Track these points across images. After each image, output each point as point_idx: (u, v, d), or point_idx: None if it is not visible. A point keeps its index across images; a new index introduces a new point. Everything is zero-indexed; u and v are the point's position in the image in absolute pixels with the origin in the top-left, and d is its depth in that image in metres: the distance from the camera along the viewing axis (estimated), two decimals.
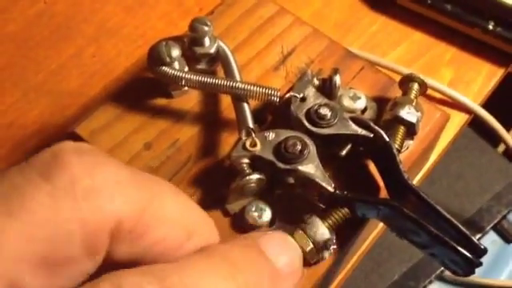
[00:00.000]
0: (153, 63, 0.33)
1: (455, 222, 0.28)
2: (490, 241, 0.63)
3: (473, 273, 0.28)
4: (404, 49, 0.48)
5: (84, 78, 0.45)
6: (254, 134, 0.31)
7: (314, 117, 0.32)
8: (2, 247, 0.16)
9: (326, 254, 0.30)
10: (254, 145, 0.30)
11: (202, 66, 0.35)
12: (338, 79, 0.33)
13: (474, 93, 0.46)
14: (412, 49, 0.48)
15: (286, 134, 0.31)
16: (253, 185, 0.30)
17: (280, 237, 0.22)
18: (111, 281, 0.16)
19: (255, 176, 0.30)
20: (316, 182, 0.29)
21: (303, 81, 0.33)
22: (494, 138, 0.56)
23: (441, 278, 0.61)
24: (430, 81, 0.42)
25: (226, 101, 0.35)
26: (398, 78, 0.36)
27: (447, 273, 0.60)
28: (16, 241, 0.16)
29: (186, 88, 0.35)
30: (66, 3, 0.48)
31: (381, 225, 0.40)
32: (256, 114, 0.32)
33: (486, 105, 0.47)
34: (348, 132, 0.32)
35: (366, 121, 0.32)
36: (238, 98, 0.32)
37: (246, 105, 0.32)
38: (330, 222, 0.29)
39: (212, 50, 0.34)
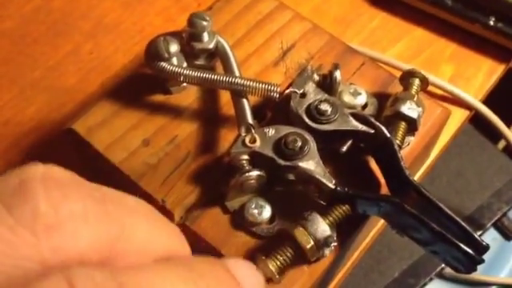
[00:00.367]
0: (151, 59, 0.33)
1: (457, 218, 0.28)
2: (490, 238, 0.63)
3: (475, 270, 0.28)
4: (404, 45, 0.47)
5: (81, 74, 0.45)
6: (253, 131, 0.30)
7: (314, 113, 0.31)
8: None
9: (327, 251, 0.29)
10: (253, 141, 0.30)
11: (200, 61, 0.35)
12: (338, 75, 0.32)
13: (475, 89, 0.46)
14: (412, 45, 0.47)
15: (285, 130, 0.30)
16: (252, 181, 0.30)
17: (248, 263, 0.22)
18: (63, 272, 0.15)
19: (255, 173, 0.30)
20: (316, 178, 0.29)
21: (303, 76, 0.33)
22: (494, 135, 0.56)
23: (441, 276, 0.61)
24: (430, 77, 0.42)
25: (225, 97, 0.34)
26: (398, 74, 0.35)
27: (447, 270, 0.60)
28: None
29: (185, 84, 0.34)
30: None
31: (381, 222, 0.40)
32: (255, 110, 0.32)
33: (487, 101, 0.46)
34: (349, 128, 0.31)
35: (366, 117, 0.32)
36: (238, 94, 0.32)
37: (245, 101, 0.32)
38: (330, 218, 0.29)
39: (211, 46, 0.34)
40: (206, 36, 0.34)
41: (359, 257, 0.41)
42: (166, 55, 0.32)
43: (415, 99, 0.32)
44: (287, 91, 0.33)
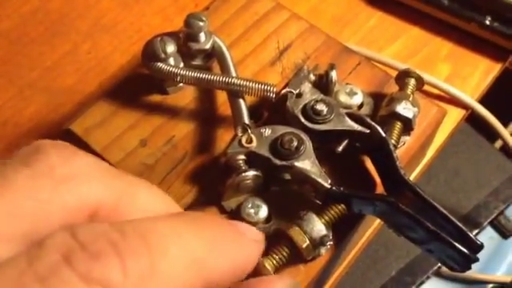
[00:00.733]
0: (148, 59, 0.33)
1: (452, 217, 0.28)
2: (487, 236, 0.63)
3: (469, 268, 0.28)
4: (401, 44, 0.48)
5: (79, 74, 0.45)
6: (249, 131, 0.31)
7: (310, 113, 0.31)
8: None
9: (323, 251, 0.30)
10: (249, 141, 0.30)
11: (197, 62, 0.35)
12: (334, 75, 0.33)
13: (471, 88, 0.46)
14: (409, 44, 0.48)
15: (282, 130, 0.31)
16: (249, 181, 0.30)
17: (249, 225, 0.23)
18: (65, 229, 0.16)
19: (251, 172, 0.30)
20: (312, 178, 0.29)
21: (299, 76, 0.33)
22: (491, 134, 0.56)
23: (438, 274, 0.61)
24: (426, 76, 0.42)
25: (221, 97, 0.34)
26: (394, 73, 0.35)
27: (444, 269, 0.60)
28: None
29: (182, 84, 0.34)
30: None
31: (377, 221, 0.40)
32: (252, 110, 0.32)
33: (483, 100, 0.47)
34: (344, 128, 0.31)
35: (362, 116, 0.32)
36: (234, 94, 0.32)
37: (241, 101, 0.32)
38: (326, 218, 0.29)
39: (207, 46, 0.34)
40: (202, 36, 0.34)
41: (356, 256, 0.41)
42: (163, 55, 0.32)
43: (411, 99, 0.33)
44: (283, 91, 0.33)
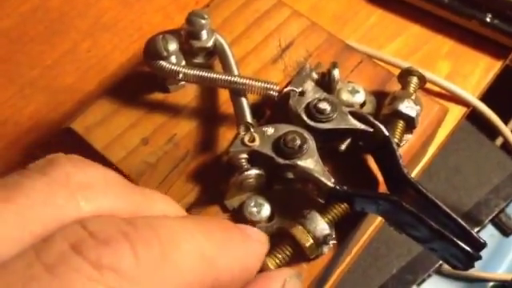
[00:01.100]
0: (149, 57, 0.33)
1: (454, 215, 0.28)
2: (488, 234, 0.63)
3: (472, 267, 0.28)
4: (401, 42, 0.48)
5: (79, 73, 0.45)
6: (252, 129, 0.30)
7: (313, 111, 0.31)
8: None
9: (326, 249, 0.29)
10: (252, 140, 0.30)
11: (199, 59, 0.35)
12: (336, 73, 0.32)
13: (472, 86, 0.46)
14: (409, 42, 0.47)
15: (285, 128, 0.31)
16: (251, 180, 0.30)
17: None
18: (75, 221, 0.17)
19: (254, 171, 0.30)
20: (315, 176, 0.29)
21: (302, 75, 0.33)
22: (492, 131, 0.56)
23: (439, 272, 0.61)
24: (427, 74, 0.42)
25: (223, 95, 0.34)
26: (395, 71, 0.35)
27: (445, 267, 0.60)
28: (9, 222, 0.16)
29: (183, 82, 0.34)
30: None
31: (379, 219, 0.40)
32: (254, 109, 0.32)
33: (484, 98, 0.47)
34: (347, 126, 0.31)
35: (365, 115, 0.32)
36: (236, 93, 0.32)
37: (244, 99, 0.32)
38: (329, 217, 0.29)
39: (209, 44, 0.34)
40: (204, 34, 0.34)
41: (357, 254, 0.41)
42: (165, 53, 0.32)
43: (413, 97, 0.33)
44: (286, 90, 0.33)
